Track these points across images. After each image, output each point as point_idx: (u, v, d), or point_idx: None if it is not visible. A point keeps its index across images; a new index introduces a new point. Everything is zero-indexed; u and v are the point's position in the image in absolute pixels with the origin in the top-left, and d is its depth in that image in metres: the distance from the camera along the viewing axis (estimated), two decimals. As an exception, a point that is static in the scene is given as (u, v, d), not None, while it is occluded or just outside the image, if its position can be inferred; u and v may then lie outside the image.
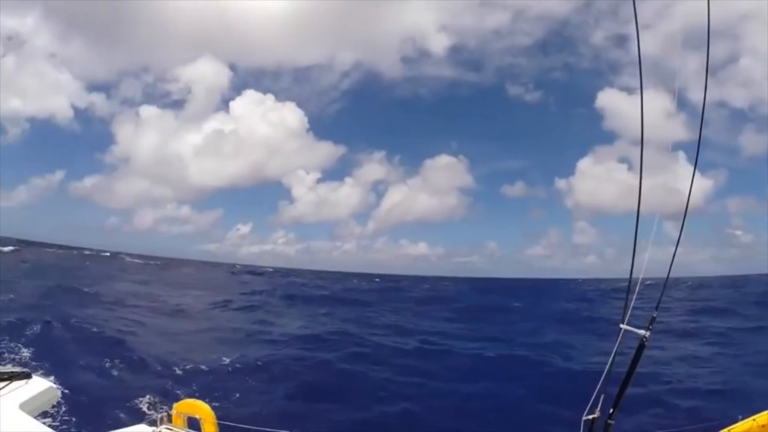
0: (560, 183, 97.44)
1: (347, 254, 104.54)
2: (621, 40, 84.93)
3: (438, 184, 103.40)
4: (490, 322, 27.34)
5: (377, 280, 66.21)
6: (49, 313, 18.21)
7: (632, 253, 3.07)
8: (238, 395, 12.26)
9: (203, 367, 14.40)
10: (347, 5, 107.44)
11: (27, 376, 4.09)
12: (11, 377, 3.98)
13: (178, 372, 13.76)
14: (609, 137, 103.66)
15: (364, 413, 11.67)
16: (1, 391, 3.72)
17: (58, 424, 8.57)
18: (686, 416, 11.11)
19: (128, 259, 77.74)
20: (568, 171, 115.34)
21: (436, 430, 11.17)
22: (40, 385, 4.06)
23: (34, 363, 11.97)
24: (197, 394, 10.68)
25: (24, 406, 3.60)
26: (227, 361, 15.25)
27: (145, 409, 10.40)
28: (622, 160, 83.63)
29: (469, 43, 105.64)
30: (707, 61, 3.07)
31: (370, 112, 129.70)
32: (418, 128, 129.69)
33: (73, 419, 9.26)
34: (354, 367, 15.57)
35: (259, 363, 15.16)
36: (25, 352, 13.38)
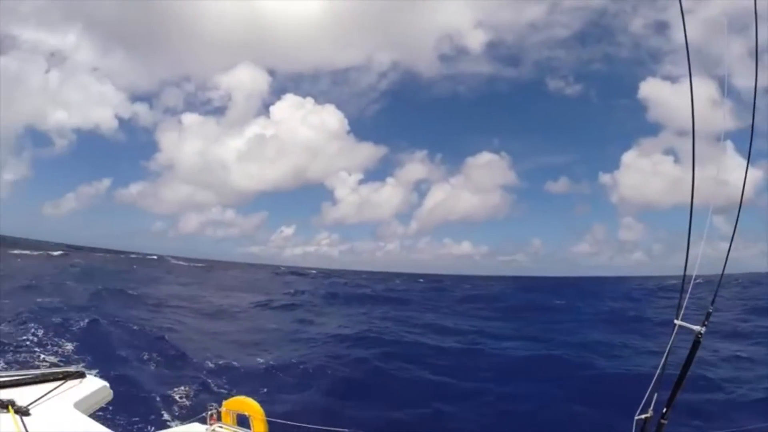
0: (604, 177, 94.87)
1: (390, 254, 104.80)
2: (661, 27, 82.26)
3: (481, 182, 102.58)
4: (531, 322, 26.84)
5: (421, 280, 64.76)
6: (95, 314, 18.93)
7: (686, 248, 2.97)
8: (277, 392, 12.45)
9: (245, 365, 14.74)
10: (382, 5, 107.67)
11: (81, 375, 4.22)
12: (65, 377, 4.12)
13: (222, 370, 14.09)
14: (653, 129, 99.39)
15: (397, 412, 11.63)
16: (57, 390, 3.85)
17: (110, 422, 8.85)
18: (729, 419, 10.62)
19: (174, 261, 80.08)
20: (613, 165, 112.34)
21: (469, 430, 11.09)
22: (94, 384, 4.18)
23: (82, 364, 12.40)
24: (244, 392, 10.88)
25: (78, 405, 3.72)
26: (267, 359, 15.55)
27: (193, 405, 10.66)
28: (668, 152, 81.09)
29: (506, 38, 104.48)
30: (756, 44, 2.93)
31: (409, 112, 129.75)
32: (458, 126, 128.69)
33: (120, 417, 9.52)
34: (390, 365, 15.57)
35: (298, 361, 15.35)
36: (72, 352, 13.93)
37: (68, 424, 3.39)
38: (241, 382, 13.04)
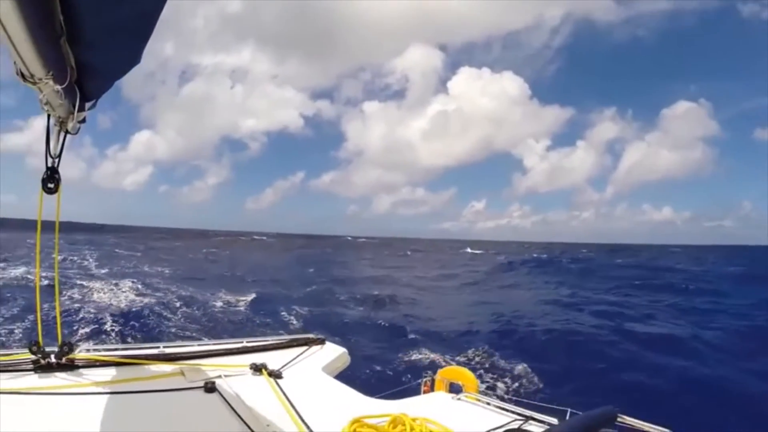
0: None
1: (585, 223, 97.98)
2: None
3: (679, 136, 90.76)
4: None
5: (619, 261, 53.54)
6: (325, 287, 21.07)
7: None
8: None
9: (448, 334, 14.99)
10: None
11: (322, 341, 4.51)
12: (308, 342, 4.44)
13: (431, 339, 14.32)
14: None
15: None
16: (303, 354, 4.16)
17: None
18: None
19: (366, 241, 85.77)
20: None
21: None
22: (334, 350, 4.43)
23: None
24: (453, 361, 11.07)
25: (325, 369, 3.97)
26: (461, 329, 15.65)
27: (407, 370, 11.04)
28: None
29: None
30: None
31: (590, 66, 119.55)
32: (646, 75, 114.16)
33: (353, 381, 10.24)
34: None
35: (475, 331, 15.20)
36: (293, 321, 15.76)
37: (320, 386, 3.60)
38: (446, 350, 13.20)
